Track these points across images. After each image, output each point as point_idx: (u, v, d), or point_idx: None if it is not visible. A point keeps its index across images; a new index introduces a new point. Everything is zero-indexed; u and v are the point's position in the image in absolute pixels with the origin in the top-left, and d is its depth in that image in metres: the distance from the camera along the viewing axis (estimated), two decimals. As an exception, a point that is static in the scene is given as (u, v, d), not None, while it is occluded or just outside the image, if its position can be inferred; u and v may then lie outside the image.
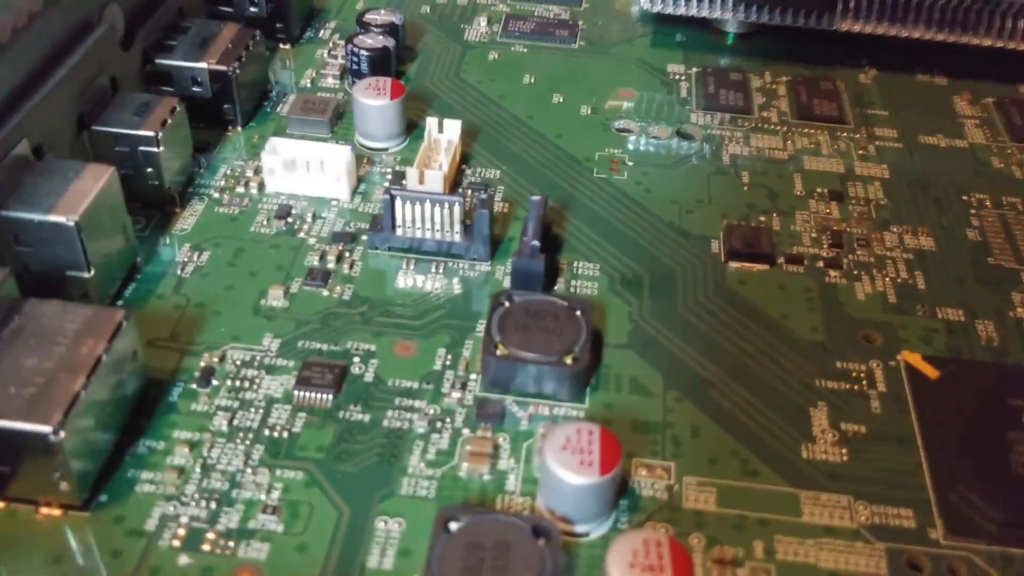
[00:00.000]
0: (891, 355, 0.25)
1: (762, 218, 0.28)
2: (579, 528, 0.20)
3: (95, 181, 0.24)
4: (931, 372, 0.24)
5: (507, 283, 0.26)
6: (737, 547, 0.20)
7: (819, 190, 0.29)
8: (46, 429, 0.19)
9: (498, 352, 0.23)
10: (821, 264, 0.27)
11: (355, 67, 0.32)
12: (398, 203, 0.26)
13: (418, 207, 0.26)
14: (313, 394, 0.23)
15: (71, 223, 0.23)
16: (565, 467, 0.20)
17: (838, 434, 0.23)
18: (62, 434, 0.19)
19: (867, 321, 0.25)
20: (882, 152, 0.31)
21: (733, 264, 0.27)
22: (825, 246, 0.27)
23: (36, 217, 0.23)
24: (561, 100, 0.33)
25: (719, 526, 0.21)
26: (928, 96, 0.34)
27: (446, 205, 0.26)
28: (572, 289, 0.26)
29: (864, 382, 0.24)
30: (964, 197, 0.30)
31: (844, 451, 0.22)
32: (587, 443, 0.20)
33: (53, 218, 0.23)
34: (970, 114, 0.33)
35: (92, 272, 0.23)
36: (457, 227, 0.26)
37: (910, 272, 0.27)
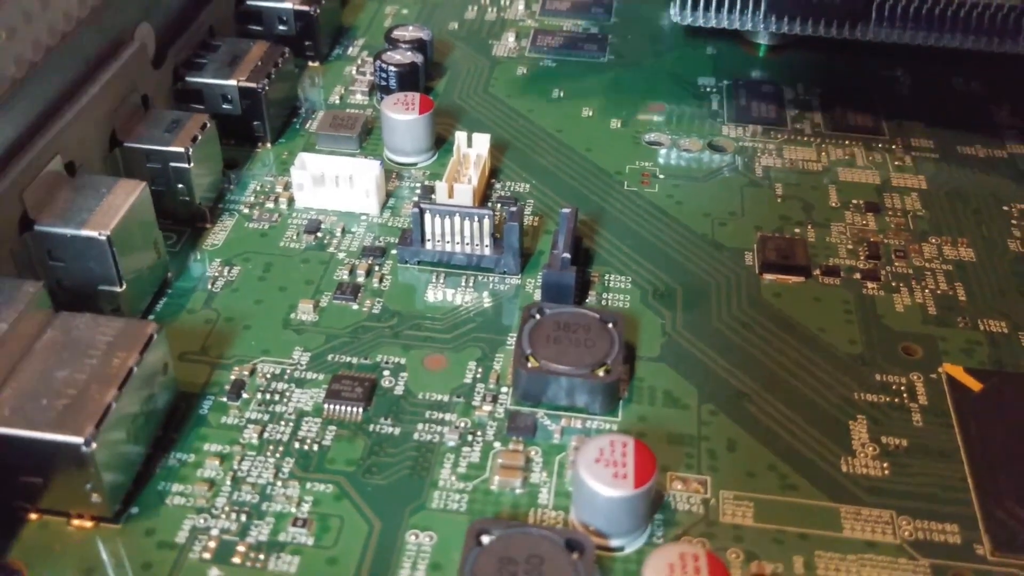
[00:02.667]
0: (932, 367, 0.24)
1: (796, 230, 0.28)
2: (614, 542, 0.20)
3: (127, 196, 0.24)
4: (974, 384, 0.24)
5: (538, 296, 0.25)
6: (776, 562, 0.20)
7: (855, 201, 0.29)
8: (78, 440, 0.19)
9: (529, 365, 0.22)
10: (858, 276, 0.26)
11: (384, 83, 0.32)
12: (427, 217, 0.26)
13: (447, 221, 0.26)
14: (343, 407, 0.22)
15: (103, 237, 0.23)
16: (599, 480, 0.19)
17: (879, 448, 0.22)
18: (94, 445, 0.19)
19: (907, 333, 0.25)
20: (919, 162, 0.31)
21: (768, 276, 0.26)
22: (862, 257, 0.27)
23: (69, 232, 0.23)
24: (591, 114, 0.32)
25: (757, 540, 0.20)
26: (965, 105, 0.33)
27: (475, 218, 0.26)
28: (604, 302, 0.26)
29: (905, 395, 0.23)
30: (1005, 207, 0.29)
31: (885, 465, 0.22)
32: (621, 455, 0.20)
33: (85, 233, 0.23)
34: (1010, 123, 0.33)
35: (124, 286, 0.23)
36: (487, 240, 0.26)
37: (950, 283, 0.26)
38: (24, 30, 0.23)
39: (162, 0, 0.29)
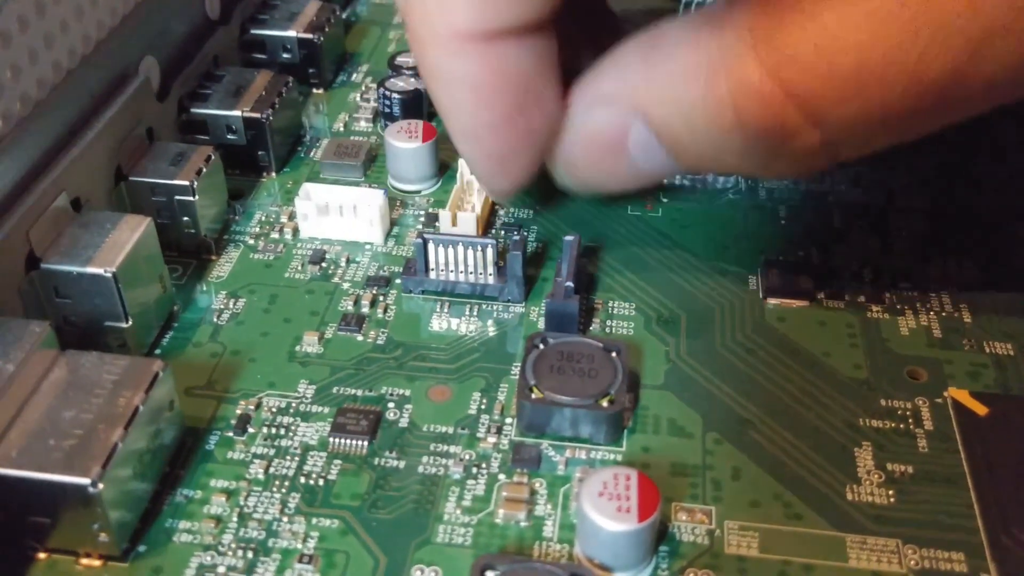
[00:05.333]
0: (937, 392, 0.24)
1: (800, 253, 0.28)
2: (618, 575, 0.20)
3: (132, 232, 0.24)
4: (979, 408, 0.24)
5: (542, 324, 0.26)
6: (782, 595, 0.20)
7: (858, 223, 0.29)
8: (85, 481, 0.19)
9: (533, 396, 0.22)
10: (863, 299, 0.26)
11: (387, 110, 0.32)
12: (431, 247, 0.26)
13: (451, 250, 0.26)
14: (348, 441, 0.23)
15: (108, 274, 0.23)
16: (602, 514, 0.20)
17: (884, 475, 0.22)
18: (101, 486, 0.19)
19: (912, 357, 0.25)
20: (922, 183, 0.31)
21: (772, 301, 0.26)
22: (866, 280, 0.27)
23: (75, 269, 0.23)
24: (593, 137, 0.32)
25: (763, 572, 0.20)
26: (969, 125, 0.33)
27: (479, 248, 0.26)
28: (608, 329, 0.26)
29: (910, 420, 0.23)
30: (1011, 227, 0.29)
31: (891, 492, 0.22)
32: (624, 489, 0.20)
33: (91, 270, 0.23)
34: (1016, 141, 0.32)
35: (130, 322, 0.24)
36: (490, 269, 0.26)
37: (955, 305, 0.26)
38: (29, 69, 0.23)
39: (166, 32, 0.29)
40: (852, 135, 0.20)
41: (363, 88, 0.34)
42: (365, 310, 0.26)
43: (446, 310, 0.26)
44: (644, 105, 0.22)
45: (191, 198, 0.26)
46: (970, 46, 0.18)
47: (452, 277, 0.26)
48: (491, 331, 0.26)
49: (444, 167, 0.31)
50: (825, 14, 0.19)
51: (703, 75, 0.21)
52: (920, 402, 0.24)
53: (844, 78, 0.19)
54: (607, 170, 0.24)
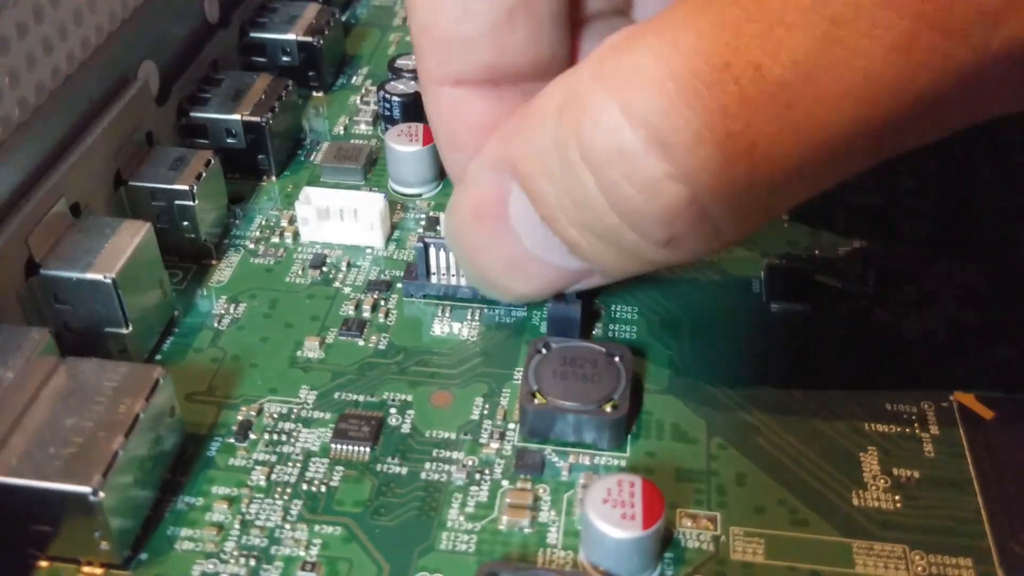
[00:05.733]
0: (943, 396, 0.24)
1: (804, 256, 0.28)
2: (623, 583, 0.20)
3: (132, 238, 0.24)
4: (985, 412, 0.23)
5: (543, 329, 0.25)
6: (788, 601, 0.20)
7: (862, 226, 0.29)
8: (86, 490, 0.19)
9: (536, 401, 0.22)
10: (867, 302, 0.26)
11: (387, 113, 0.32)
12: (431, 251, 0.26)
13: (452, 254, 0.26)
14: (350, 447, 0.22)
15: (108, 280, 0.23)
16: (607, 521, 0.19)
17: (890, 480, 0.22)
18: (102, 494, 0.19)
19: (917, 360, 0.25)
20: (926, 185, 0.30)
21: (775, 304, 0.26)
22: (870, 283, 0.27)
23: (74, 275, 0.23)
24: (595, 140, 0.32)
25: (769, 579, 0.20)
26: (973, 127, 0.33)
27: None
28: (610, 333, 0.25)
29: (916, 425, 0.23)
30: (1016, 229, 0.29)
31: (897, 498, 0.22)
32: (629, 495, 0.20)
33: (91, 276, 0.23)
34: (1020, 143, 0.32)
35: (130, 328, 0.23)
36: (492, 272, 0.26)
37: (960, 308, 0.26)
38: (27, 75, 0.23)
39: (165, 36, 0.29)
40: (726, 188, 0.17)
41: (363, 91, 0.34)
42: (366, 315, 0.26)
43: (447, 315, 0.26)
44: (513, 160, 0.20)
45: (191, 203, 0.26)
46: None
47: (453, 281, 0.26)
48: (493, 336, 0.25)
49: (444, 171, 0.30)
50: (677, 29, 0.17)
51: (553, 113, 0.19)
52: (925, 406, 0.24)
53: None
54: (499, 257, 0.21)
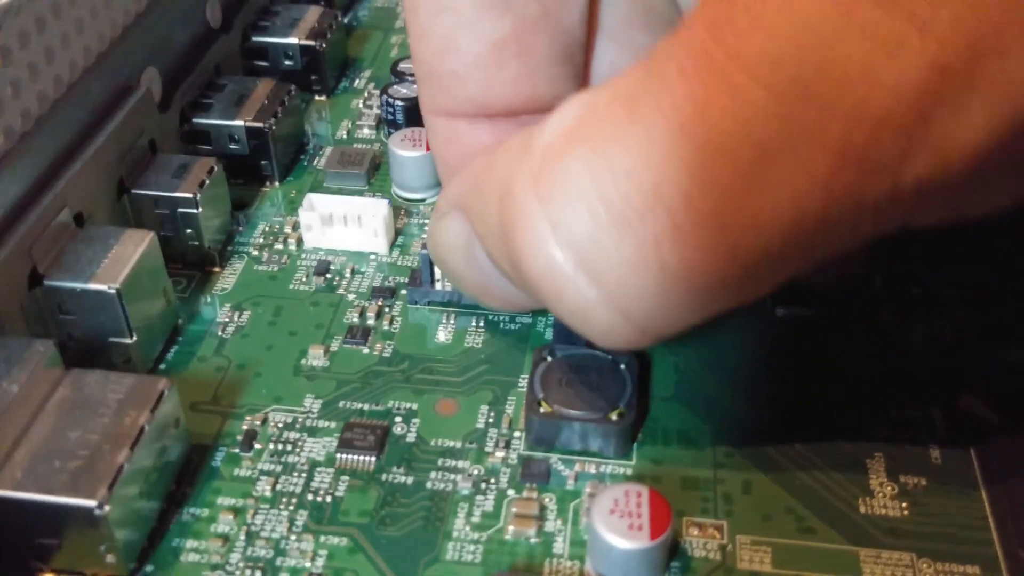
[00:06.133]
0: (951, 401, 0.24)
1: (809, 259, 0.28)
2: (630, 593, 0.20)
3: (135, 247, 0.24)
4: (993, 418, 0.23)
5: (548, 336, 0.25)
6: (796, 611, 0.20)
7: (867, 228, 0.29)
8: (91, 503, 0.19)
9: (541, 410, 0.22)
10: (873, 306, 0.26)
11: (390, 117, 0.32)
12: (437, 257, 0.26)
13: (455, 261, 0.26)
14: (356, 456, 0.22)
15: (112, 291, 0.23)
16: (614, 531, 0.19)
17: (897, 487, 0.22)
18: (107, 508, 0.19)
19: (924, 365, 0.25)
20: (931, 185, 0.30)
21: (781, 309, 0.26)
22: (877, 287, 0.27)
23: (78, 286, 0.23)
24: (598, 142, 0.32)
25: (776, 588, 0.20)
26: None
27: (485, 257, 0.25)
28: (615, 339, 0.25)
29: (922, 430, 0.23)
30: (1022, 231, 0.29)
31: (904, 505, 0.22)
32: (636, 506, 0.20)
33: (94, 286, 0.23)
34: None
35: (135, 338, 0.23)
36: (497, 278, 0.26)
37: (967, 312, 0.26)
38: (30, 85, 0.23)
39: (167, 42, 0.29)
40: (660, 311, 0.17)
41: (366, 95, 0.34)
42: (371, 322, 0.26)
43: (452, 322, 0.26)
44: (467, 210, 0.21)
45: (195, 210, 0.26)
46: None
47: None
48: (498, 343, 0.25)
49: (448, 175, 0.30)
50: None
51: (496, 198, 0.19)
52: (933, 412, 0.23)
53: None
54: (471, 280, 0.22)
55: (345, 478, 0.22)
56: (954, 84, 0.15)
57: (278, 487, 0.22)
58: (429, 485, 0.22)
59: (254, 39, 0.33)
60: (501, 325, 0.26)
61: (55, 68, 0.24)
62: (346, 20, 0.38)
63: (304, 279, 0.27)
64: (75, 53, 0.25)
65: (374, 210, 0.27)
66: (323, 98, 0.34)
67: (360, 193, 0.30)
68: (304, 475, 0.22)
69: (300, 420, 0.23)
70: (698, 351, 0.25)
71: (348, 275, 0.27)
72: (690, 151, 0.16)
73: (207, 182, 0.27)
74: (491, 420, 0.23)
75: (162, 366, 0.25)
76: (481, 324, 0.26)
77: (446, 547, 0.21)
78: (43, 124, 0.23)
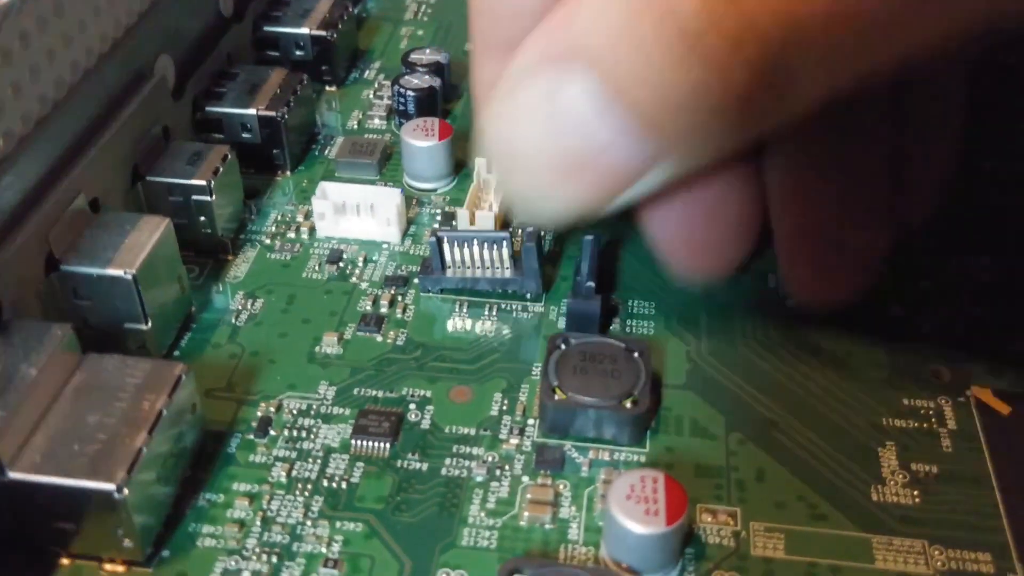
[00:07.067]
0: (960, 391, 0.24)
1: (819, 250, 0.28)
2: (645, 579, 0.20)
3: (151, 233, 0.24)
4: (1003, 408, 0.24)
5: (561, 324, 0.25)
6: (810, 597, 0.20)
7: (877, 220, 0.29)
8: (110, 487, 0.19)
9: (556, 397, 0.22)
10: (883, 297, 0.26)
11: (402, 107, 0.32)
12: (445, 245, 0.26)
13: (466, 248, 0.26)
14: (371, 443, 0.22)
15: (128, 276, 0.23)
16: (630, 517, 0.19)
17: (908, 475, 0.22)
18: (126, 491, 0.19)
19: (933, 356, 0.25)
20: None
21: (792, 300, 0.26)
22: (886, 278, 0.27)
23: (94, 271, 0.23)
24: (609, 134, 0.32)
25: (789, 574, 0.20)
26: (987, 119, 0.33)
27: (493, 243, 0.26)
28: (628, 329, 0.25)
29: (933, 420, 0.23)
30: (1029, 223, 0.29)
31: (916, 493, 0.22)
32: (652, 491, 0.20)
33: (111, 272, 0.23)
34: (1030, 136, 0.32)
35: (150, 324, 0.24)
36: (507, 264, 0.26)
37: (976, 303, 0.26)
38: (48, 70, 0.23)
39: (181, 31, 0.29)
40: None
41: (376, 85, 0.34)
42: (384, 310, 0.26)
43: (465, 310, 0.26)
44: (576, 44, 0.18)
45: (208, 198, 0.26)
46: None
47: (469, 274, 0.26)
48: (511, 331, 0.25)
49: (460, 165, 0.30)
50: None
51: None
52: (943, 401, 0.24)
53: None
54: (562, 156, 0.18)
55: (360, 464, 0.22)
56: None
57: (293, 473, 0.22)
58: (444, 471, 0.22)
59: (265, 29, 0.33)
60: (514, 313, 0.26)
61: (71, 54, 0.24)
62: (356, 11, 0.38)
63: (317, 268, 0.27)
64: (91, 39, 0.25)
65: (387, 199, 0.27)
66: (334, 88, 0.34)
67: (371, 183, 0.30)
68: (319, 461, 0.22)
69: (315, 407, 0.23)
70: (709, 341, 0.25)
71: (361, 264, 0.27)
72: None
73: (221, 170, 0.27)
74: (505, 407, 0.23)
75: (176, 353, 0.25)
76: (494, 312, 0.26)
77: (461, 533, 0.21)
78: (60, 110, 0.23)
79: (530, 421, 0.23)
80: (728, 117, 0.17)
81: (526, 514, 0.21)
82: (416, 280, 0.27)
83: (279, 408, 0.23)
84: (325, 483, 0.22)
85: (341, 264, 0.27)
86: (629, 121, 0.17)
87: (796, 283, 0.24)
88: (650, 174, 0.19)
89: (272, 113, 0.29)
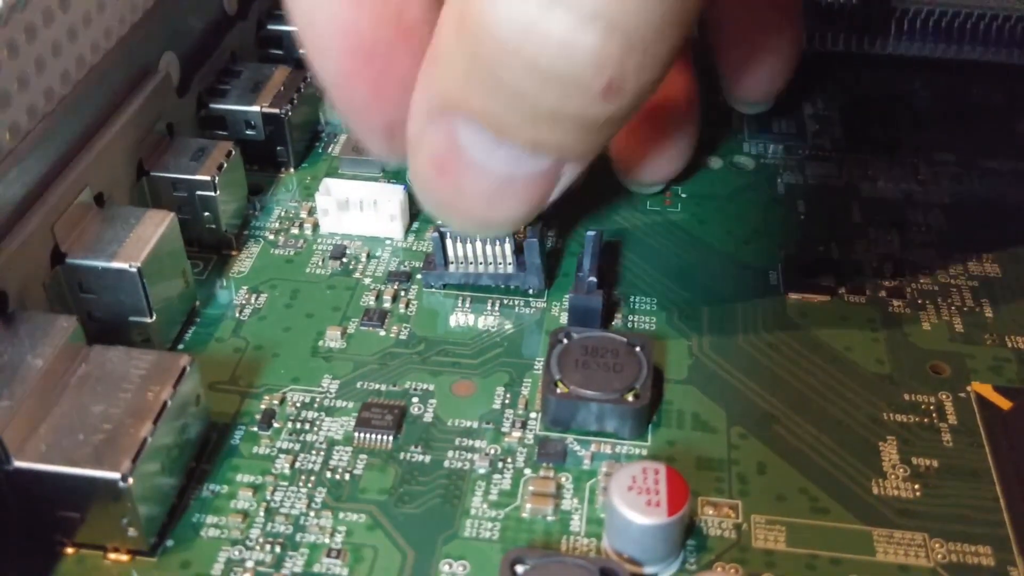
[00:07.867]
0: (961, 386, 0.24)
1: (820, 248, 0.28)
2: (647, 570, 0.20)
3: (156, 227, 0.24)
4: (1003, 403, 0.24)
5: (563, 319, 0.26)
6: (810, 588, 0.20)
7: (878, 218, 0.29)
8: (115, 476, 0.19)
9: (558, 390, 0.22)
10: (884, 294, 0.26)
11: (405, 105, 0.32)
12: (448, 241, 0.26)
13: (469, 244, 0.26)
14: (374, 435, 0.23)
15: (134, 269, 0.23)
16: (632, 508, 0.20)
17: (909, 469, 0.22)
18: (131, 480, 0.19)
19: (934, 351, 0.25)
20: (941, 177, 0.31)
21: (793, 295, 0.26)
22: (887, 275, 0.27)
23: (100, 264, 0.23)
24: (611, 132, 0.32)
25: (790, 566, 0.20)
26: (987, 118, 0.33)
27: (496, 239, 0.26)
28: (630, 324, 0.26)
29: (934, 414, 0.23)
30: (1029, 221, 0.29)
31: (916, 486, 0.22)
32: (653, 483, 0.20)
33: (116, 265, 0.23)
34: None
35: (154, 317, 0.24)
36: (509, 259, 0.26)
37: (976, 300, 0.26)
38: (53, 63, 0.23)
39: (186, 28, 0.29)
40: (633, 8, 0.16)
41: (379, 83, 0.34)
42: (387, 305, 0.26)
43: (467, 305, 0.26)
44: (445, 97, 0.19)
45: (212, 193, 0.26)
46: None
47: (472, 270, 0.26)
48: (513, 326, 0.26)
49: (463, 162, 0.30)
50: None
51: (453, 29, 0.18)
52: (943, 396, 0.24)
53: None
54: (479, 194, 0.20)
55: (363, 456, 0.22)
56: None
57: (297, 465, 0.22)
58: (446, 464, 0.22)
59: (270, 27, 0.33)
60: (516, 309, 0.26)
61: (77, 49, 0.24)
62: (359, 11, 0.38)
63: (320, 263, 0.27)
64: (96, 35, 0.25)
65: (390, 195, 0.28)
66: (336, 87, 0.34)
67: (374, 179, 0.30)
68: (322, 453, 0.22)
69: (318, 400, 0.24)
70: (711, 336, 0.25)
71: (364, 259, 0.27)
72: None
73: (225, 166, 0.27)
74: (507, 401, 0.24)
75: (180, 347, 0.25)
76: (496, 307, 0.26)
77: (464, 524, 0.21)
78: (65, 104, 0.24)
79: (532, 415, 0.23)
80: (603, 111, 0.18)
81: (528, 506, 0.21)
82: (419, 276, 0.27)
83: (283, 401, 0.23)
84: (328, 475, 0.22)
85: (344, 260, 0.27)
86: (520, 147, 0.19)
87: (735, 84, 0.31)
88: (565, 170, 0.20)
89: (276, 110, 0.29)
